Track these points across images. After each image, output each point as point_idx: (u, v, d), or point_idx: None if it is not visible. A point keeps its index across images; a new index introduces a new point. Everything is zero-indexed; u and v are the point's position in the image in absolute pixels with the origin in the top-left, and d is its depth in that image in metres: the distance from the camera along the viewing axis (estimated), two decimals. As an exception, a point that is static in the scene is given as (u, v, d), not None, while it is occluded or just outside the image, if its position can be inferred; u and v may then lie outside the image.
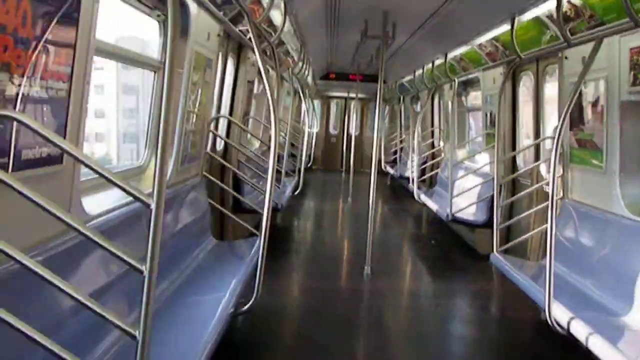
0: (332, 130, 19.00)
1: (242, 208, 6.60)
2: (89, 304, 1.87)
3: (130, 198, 1.91)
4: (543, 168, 6.20)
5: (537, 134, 6.33)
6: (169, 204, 4.14)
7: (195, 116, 4.94)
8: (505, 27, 5.52)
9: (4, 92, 2.02)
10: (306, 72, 10.44)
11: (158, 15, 4.06)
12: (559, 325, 3.80)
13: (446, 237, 8.82)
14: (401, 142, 14.87)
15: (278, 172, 9.35)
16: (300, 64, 9.02)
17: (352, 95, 16.89)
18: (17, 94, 2.11)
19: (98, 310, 1.87)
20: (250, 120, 8.61)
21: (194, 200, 5.12)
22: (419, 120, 10.85)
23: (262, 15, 4.97)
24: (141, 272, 1.85)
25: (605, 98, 4.55)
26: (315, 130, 16.39)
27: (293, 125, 10.51)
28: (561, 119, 4.16)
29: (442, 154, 11.04)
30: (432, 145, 12.06)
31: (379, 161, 16.61)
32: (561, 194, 5.27)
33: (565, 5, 4.29)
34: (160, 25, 4.22)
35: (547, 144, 6.14)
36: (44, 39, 2.22)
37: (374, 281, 6.26)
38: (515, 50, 5.19)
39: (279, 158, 9.14)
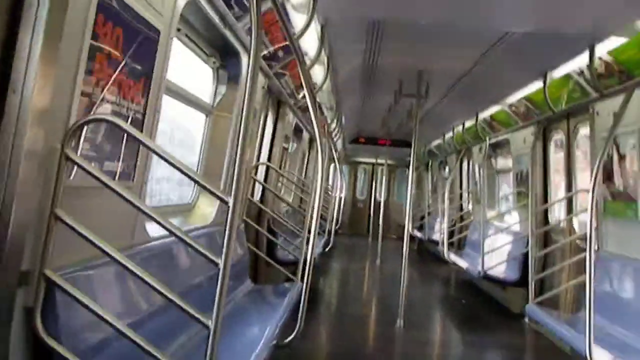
0: (359, 196, 19.21)
1: (274, 257, 6.75)
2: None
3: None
4: (576, 222, 6.27)
5: (569, 188, 6.43)
6: (213, 241, 4.31)
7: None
8: (536, 86, 5.76)
9: (95, 103, 2.27)
10: (338, 135, 10.77)
11: (214, 62, 4.37)
12: None
13: (476, 297, 8.77)
14: (428, 206, 14.97)
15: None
16: (334, 125, 9.34)
17: (380, 161, 17.21)
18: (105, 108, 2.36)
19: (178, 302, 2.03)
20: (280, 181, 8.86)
21: (235, 242, 5.27)
22: (448, 184, 11.02)
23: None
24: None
25: (638, 150, 4.69)
26: (343, 194, 16.63)
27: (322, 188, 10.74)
28: (595, 171, 4.30)
29: (471, 217, 11.10)
30: (461, 208, 12.14)
31: (407, 226, 16.73)
32: (596, 246, 5.32)
33: (596, 62, 4.52)
34: (214, 72, 4.54)
35: (579, 198, 6.24)
36: (128, 67, 2.49)
37: (405, 333, 6.27)
38: (548, 106, 5.39)
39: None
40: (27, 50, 1.85)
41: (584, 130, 6.19)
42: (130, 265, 2.11)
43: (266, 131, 6.89)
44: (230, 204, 2.02)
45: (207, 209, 4.70)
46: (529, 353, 6.27)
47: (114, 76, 2.38)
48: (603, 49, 4.29)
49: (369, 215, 17.88)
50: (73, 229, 2.06)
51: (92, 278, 2.42)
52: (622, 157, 4.99)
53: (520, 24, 4.31)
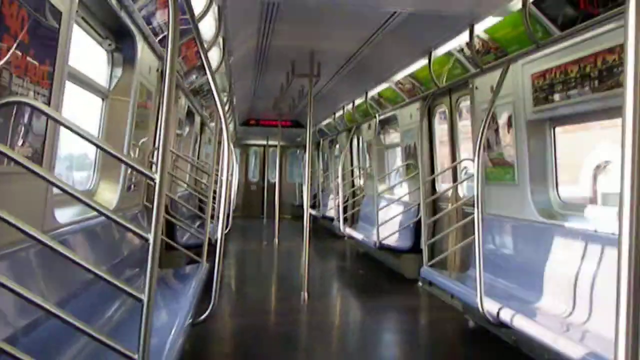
0: (251, 178, 19.28)
1: (174, 241, 6.73)
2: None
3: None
4: (460, 189, 6.80)
5: (453, 159, 6.94)
6: (119, 227, 4.25)
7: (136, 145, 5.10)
8: (421, 63, 6.14)
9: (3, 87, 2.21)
10: (230, 117, 10.77)
11: (109, 45, 4.27)
12: (490, 316, 4.24)
13: (373, 267, 9.22)
14: (321, 185, 15.37)
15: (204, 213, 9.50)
16: (227, 108, 9.33)
17: (272, 142, 17.35)
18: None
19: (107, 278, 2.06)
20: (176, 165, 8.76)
21: (137, 228, 5.20)
22: (340, 161, 11.40)
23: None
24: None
25: (513, 119, 5.19)
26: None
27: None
28: (478, 140, 4.72)
29: (363, 192, 11.58)
30: (352, 184, 12.60)
31: (300, 205, 17.07)
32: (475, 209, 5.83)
33: (475, 40, 4.92)
34: (109, 55, 4.42)
35: (463, 167, 6.77)
36: (34, 51, 2.43)
37: (310, 304, 6.54)
38: (433, 82, 5.78)
39: (204, 202, 9.33)
40: None
41: (465, 104, 6.71)
42: (56, 246, 2.07)
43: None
44: (157, 182, 2.07)
45: (108, 195, 4.60)
46: (425, 312, 6.75)
47: (22, 60, 2.32)
48: (481, 28, 4.69)
49: (263, 196, 18.04)
50: None
51: (12, 264, 2.36)
52: (499, 127, 5.49)
53: (405, 4, 4.58)
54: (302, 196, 17.36)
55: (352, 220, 11.97)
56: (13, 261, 2.41)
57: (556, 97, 4.57)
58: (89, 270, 2.10)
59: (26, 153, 2.49)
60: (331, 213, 12.56)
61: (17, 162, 2.06)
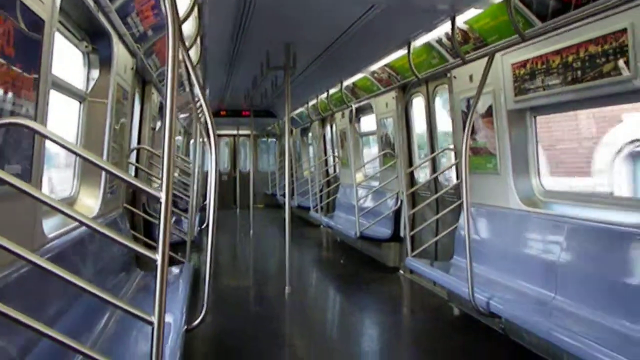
0: (222, 169, 19.08)
1: (154, 241, 6.62)
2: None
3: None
4: (441, 178, 6.84)
5: (432, 148, 6.96)
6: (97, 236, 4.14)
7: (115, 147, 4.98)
8: (398, 53, 6.11)
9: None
10: (201, 110, 10.57)
11: (85, 47, 4.12)
12: (480, 306, 4.29)
13: (353, 256, 9.25)
14: (292, 174, 15.30)
15: (180, 209, 9.38)
16: (200, 101, 9.14)
17: (242, 132, 17.16)
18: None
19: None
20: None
21: (118, 232, 5.09)
22: (316, 150, 11.37)
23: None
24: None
25: (494, 109, 5.22)
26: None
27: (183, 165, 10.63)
28: (466, 129, 4.74)
29: (338, 180, 11.57)
30: (327, 173, 12.58)
31: (273, 194, 16.99)
32: (463, 198, 5.87)
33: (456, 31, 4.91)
34: (84, 57, 4.28)
35: (444, 157, 6.81)
36: (20, 62, 2.33)
37: (294, 297, 6.52)
38: (412, 72, 5.76)
39: (176, 196, 9.19)
40: None
41: (442, 93, 6.72)
42: (53, 269, 2.00)
43: (135, 113, 6.62)
44: (163, 201, 2.00)
45: (89, 201, 4.48)
46: (409, 301, 6.81)
47: (9, 74, 2.21)
48: (461, 19, 4.68)
49: (235, 187, 17.89)
50: None
51: (6, 285, 2.28)
52: (479, 116, 5.52)
53: None
54: (274, 185, 17.27)
55: (327, 209, 11.97)
56: (6, 282, 2.32)
57: (537, 87, 4.60)
58: (92, 294, 2.03)
59: (15, 171, 2.39)
60: (306, 202, 12.52)
61: (10, 184, 1.97)
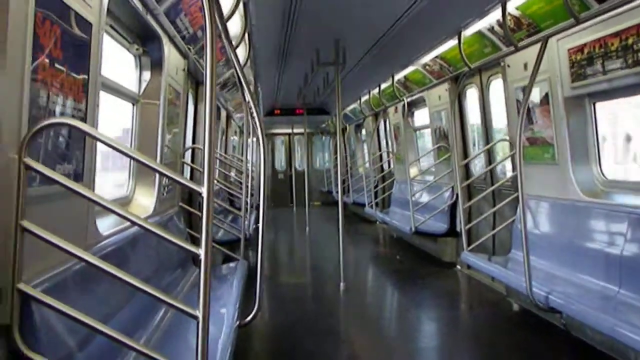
0: (278, 167, 19.27)
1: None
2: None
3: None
4: (497, 170, 6.66)
5: (487, 140, 6.79)
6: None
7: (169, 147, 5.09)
8: (449, 44, 5.99)
9: (43, 107, 2.18)
10: (255, 110, 10.71)
11: (136, 49, 4.23)
12: (539, 300, 4.15)
13: (409, 252, 9.15)
14: (347, 170, 15.28)
15: (237, 208, 9.51)
16: (253, 100, 9.26)
17: (297, 130, 17.26)
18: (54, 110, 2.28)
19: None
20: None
21: (175, 230, 5.22)
22: (371, 146, 11.32)
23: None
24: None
25: (550, 96, 5.03)
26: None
27: (240, 165, 10.79)
28: (520, 120, 4.59)
29: (393, 176, 11.46)
30: (381, 169, 12.49)
31: (329, 191, 17.02)
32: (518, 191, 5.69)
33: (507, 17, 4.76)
34: (136, 60, 4.39)
35: (498, 148, 6.63)
36: (68, 66, 2.40)
37: (349, 294, 6.49)
38: (464, 62, 5.63)
39: (233, 195, 9.32)
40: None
41: (496, 83, 6.54)
42: (105, 266, 2.08)
43: (188, 113, 6.76)
44: (205, 195, 2.02)
45: (145, 201, 4.60)
46: (467, 297, 6.67)
47: (57, 76, 2.28)
48: (512, 5, 4.53)
49: (291, 185, 18.03)
50: (43, 239, 2.00)
51: (63, 283, 2.36)
52: (534, 105, 5.33)
53: None
54: (329, 182, 17.29)
55: (382, 205, 11.88)
56: (61, 280, 2.40)
57: (596, 71, 4.40)
58: (139, 289, 2.08)
59: (67, 170, 2.47)
60: (361, 199, 12.47)
61: (61, 185, 2.04)
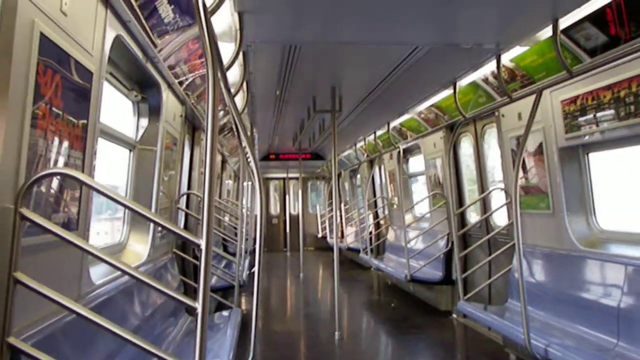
0: (272, 212, 19.22)
1: None
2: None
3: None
4: (492, 219, 6.66)
5: (482, 188, 6.81)
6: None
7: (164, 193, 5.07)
8: (444, 93, 6.07)
9: (41, 156, 2.17)
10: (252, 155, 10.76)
11: (135, 96, 4.26)
12: (538, 353, 4.08)
13: (404, 299, 9.04)
14: (341, 216, 15.25)
15: (230, 253, 9.40)
16: (248, 146, 9.30)
17: (292, 175, 17.30)
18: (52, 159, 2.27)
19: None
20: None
21: (168, 277, 5.15)
22: (366, 191, 11.33)
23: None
24: (195, 308, 1.99)
25: (544, 146, 5.08)
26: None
27: (234, 209, 10.76)
28: (516, 169, 4.62)
29: (387, 222, 11.43)
30: (376, 215, 12.47)
31: (324, 237, 16.95)
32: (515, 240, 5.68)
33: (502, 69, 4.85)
34: (134, 106, 4.42)
35: (494, 197, 6.64)
36: (67, 114, 2.41)
37: (344, 343, 6.36)
38: (459, 112, 5.70)
39: (227, 240, 9.24)
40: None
41: (490, 132, 6.61)
42: (96, 319, 2.03)
43: (184, 158, 6.77)
44: (203, 248, 2.00)
45: (138, 247, 4.55)
46: (464, 347, 6.55)
47: (57, 124, 2.29)
48: (507, 57, 4.62)
49: (284, 229, 17.96)
50: (36, 291, 1.96)
51: (55, 334, 2.30)
52: (529, 154, 5.38)
53: (427, 39, 4.52)
54: (323, 228, 17.23)
55: (377, 251, 11.81)
56: (53, 331, 2.35)
57: (589, 123, 4.46)
58: (131, 343, 2.03)
59: (62, 219, 2.45)
60: (355, 245, 12.41)
61: (55, 235, 2.02)
